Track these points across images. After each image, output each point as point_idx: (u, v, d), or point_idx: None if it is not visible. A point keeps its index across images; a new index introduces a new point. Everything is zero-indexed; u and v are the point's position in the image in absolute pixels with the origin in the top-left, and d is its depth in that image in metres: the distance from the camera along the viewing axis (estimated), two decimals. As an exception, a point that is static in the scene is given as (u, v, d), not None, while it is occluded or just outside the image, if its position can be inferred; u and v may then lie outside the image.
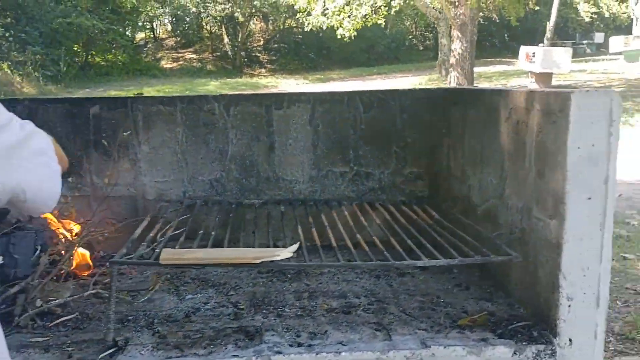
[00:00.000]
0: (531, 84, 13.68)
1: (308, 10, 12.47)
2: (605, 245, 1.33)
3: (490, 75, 17.56)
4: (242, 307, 1.56)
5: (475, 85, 13.61)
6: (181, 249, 1.48)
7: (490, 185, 1.72)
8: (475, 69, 16.51)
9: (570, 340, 1.35)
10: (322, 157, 2.07)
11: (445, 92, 2.08)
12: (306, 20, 12.65)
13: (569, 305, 1.34)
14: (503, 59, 22.09)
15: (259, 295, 1.64)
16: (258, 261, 1.37)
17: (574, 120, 1.29)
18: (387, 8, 13.39)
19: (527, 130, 1.47)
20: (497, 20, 21.28)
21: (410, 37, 25.66)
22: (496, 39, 25.78)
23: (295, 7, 13.50)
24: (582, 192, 1.31)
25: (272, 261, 1.39)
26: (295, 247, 1.48)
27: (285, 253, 1.42)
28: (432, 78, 17.19)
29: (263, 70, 21.38)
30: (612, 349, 3.05)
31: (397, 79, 18.55)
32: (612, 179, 1.31)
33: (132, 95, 2.04)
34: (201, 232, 1.69)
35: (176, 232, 1.66)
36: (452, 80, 12.51)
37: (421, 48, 25.64)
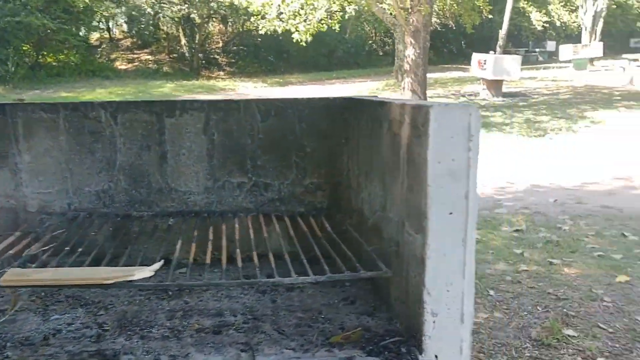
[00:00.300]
0: (483, 91, 13.99)
1: (262, 13, 12.38)
2: (467, 261, 1.31)
3: (446, 82, 17.87)
4: (107, 328, 1.47)
5: (431, 91, 13.78)
6: (29, 269, 1.39)
7: (377, 197, 1.69)
8: (432, 75, 16.78)
9: (435, 356, 1.33)
10: (219, 167, 2.00)
11: (344, 101, 2.04)
12: (260, 23, 12.55)
13: (434, 322, 1.32)
14: (460, 66, 22.55)
15: (130, 314, 1.55)
16: (110, 282, 1.29)
17: (433, 134, 1.26)
18: (341, 13, 13.42)
19: (401, 143, 1.45)
20: (454, 28, 21.69)
21: (370, 42, 25.87)
22: (453, 46, 26.31)
23: (249, 9, 13.38)
24: (443, 207, 1.28)
25: (130, 281, 1.32)
26: (158, 265, 1.41)
27: (144, 272, 1.34)
28: (389, 83, 17.37)
29: (221, 72, 21.12)
30: (528, 355, 3.08)
31: (355, 83, 18.67)
32: (472, 193, 1.29)
33: (12, 102, 1.93)
34: (67, 248, 1.59)
35: (44, 248, 1.57)
36: (406, 86, 12.64)
37: (381, 53, 25.89)
